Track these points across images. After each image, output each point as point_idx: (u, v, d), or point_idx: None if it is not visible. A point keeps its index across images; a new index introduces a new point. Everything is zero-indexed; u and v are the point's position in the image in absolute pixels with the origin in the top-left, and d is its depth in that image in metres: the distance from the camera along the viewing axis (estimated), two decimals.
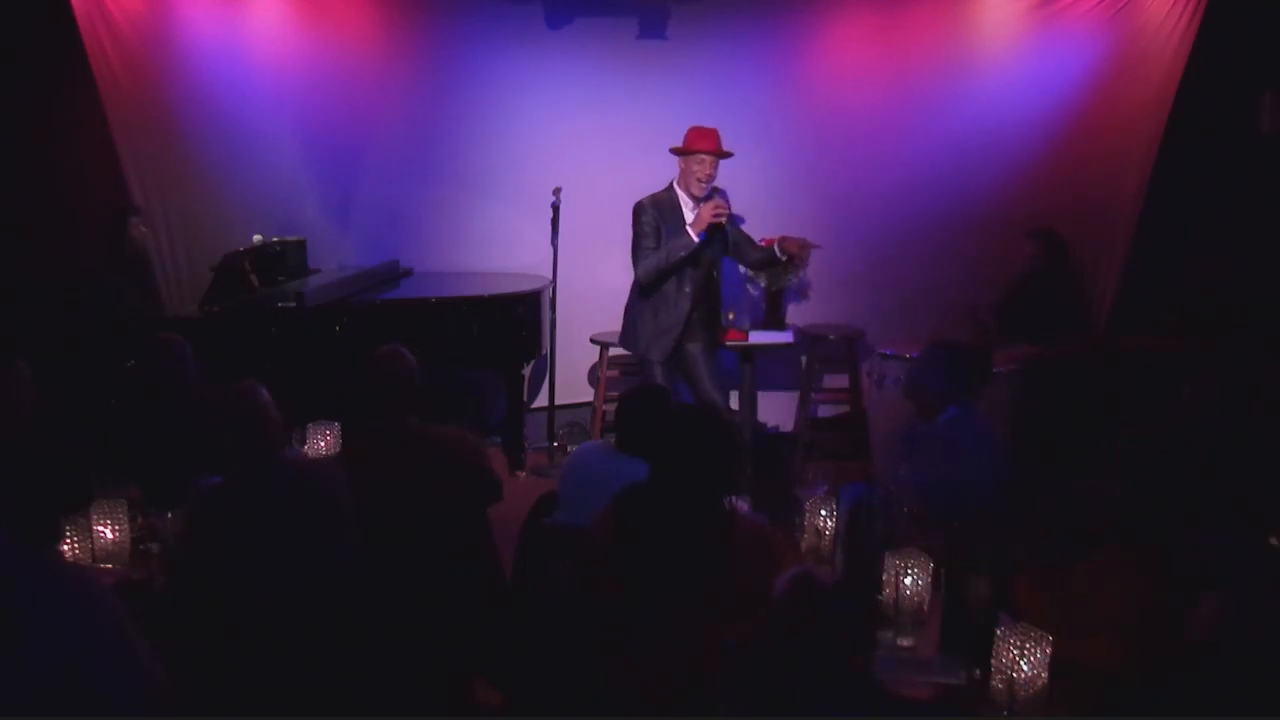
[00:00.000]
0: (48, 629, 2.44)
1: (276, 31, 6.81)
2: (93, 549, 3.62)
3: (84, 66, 6.38)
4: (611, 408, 6.14)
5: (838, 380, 6.97)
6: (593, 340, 6.94)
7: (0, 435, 3.80)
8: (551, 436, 6.66)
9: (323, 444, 4.43)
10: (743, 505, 3.96)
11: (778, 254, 5.66)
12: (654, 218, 5.51)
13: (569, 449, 6.27)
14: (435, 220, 7.07)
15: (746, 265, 6.17)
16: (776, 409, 7.11)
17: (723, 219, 5.52)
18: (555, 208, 6.21)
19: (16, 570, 2.48)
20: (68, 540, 3.53)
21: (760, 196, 6.94)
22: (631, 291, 5.63)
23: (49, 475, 2.72)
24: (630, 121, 6.82)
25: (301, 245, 6.81)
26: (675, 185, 5.64)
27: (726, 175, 6.92)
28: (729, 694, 2.63)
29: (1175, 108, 6.44)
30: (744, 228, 6.76)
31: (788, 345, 6.66)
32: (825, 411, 7.04)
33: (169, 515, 3.68)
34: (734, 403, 6.73)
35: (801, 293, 7.06)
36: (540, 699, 3.40)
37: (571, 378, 7.13)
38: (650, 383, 5.44)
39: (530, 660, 3.55)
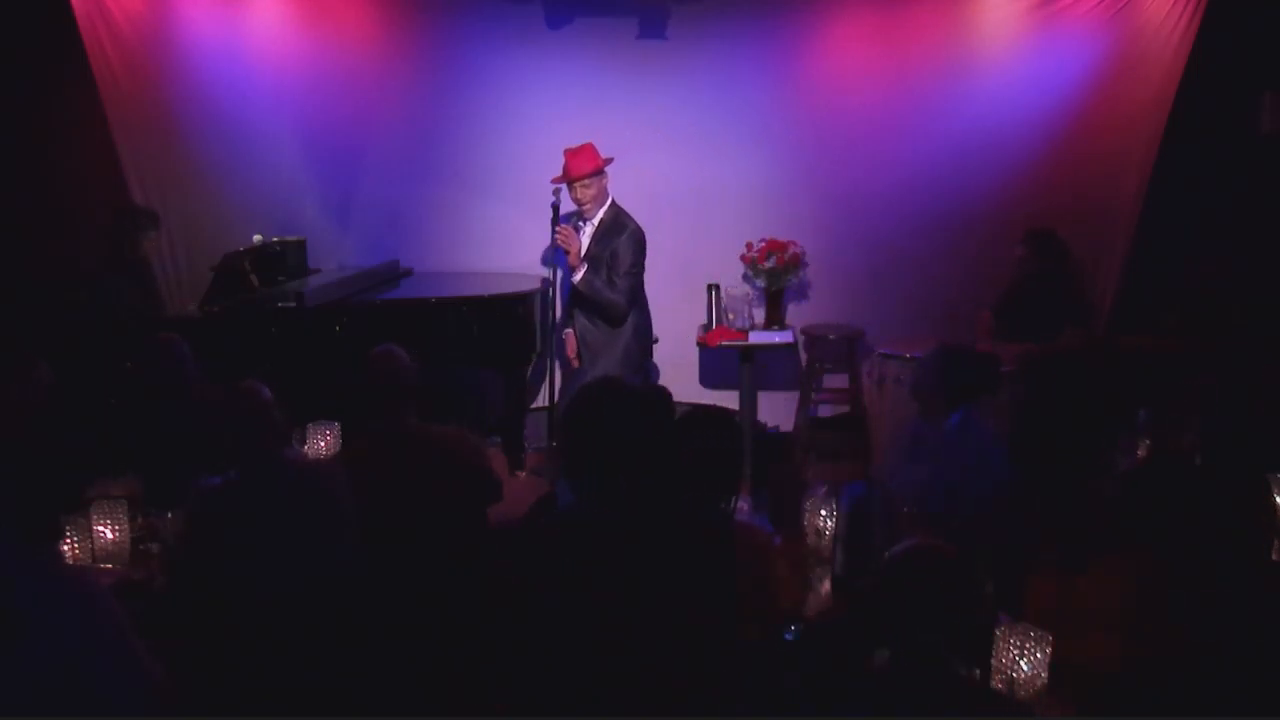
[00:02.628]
0: (48, 629, 2.44)
1: (276, 31, 6.81)
2: (93, 549, 3.62)
3: (84, 66, 6.37)
4: None
5: (838, 380, 6.97)
6: None
7: (2, 434, 3.81)
8: (551, 436, 6.66)
9: (323, 444, 4.43)
10: (743, 505, 3.97)
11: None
12: None
13: None
14: (435, 220, 7.07)
15: None
16: (776, 409, 7.10)
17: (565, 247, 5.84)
18: (555, 208, 6.21)
19: (16, 570, 2.48)
20: (68, 540, 3.53)
21: (760, 196, 6.95)
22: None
23: (49, 475, 2.72)
24: (630, 121, 6.82)
25: (301, 245, 6.81)
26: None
27: (728, 175, 6.94)
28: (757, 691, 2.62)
29: (1175, 108, 6.44)
30: (745, 227, 6.79)
31: (788, 345, 6.66)
32: (825, 411, 7.03)
33: (169, 515, 3.69)
34: (734, 403, 6.74)
35: (801, 293, 7.05)
36: (540, 699, 3.40)
37: None
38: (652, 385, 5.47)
39: (530, 660, 3.55)
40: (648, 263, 5.98)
